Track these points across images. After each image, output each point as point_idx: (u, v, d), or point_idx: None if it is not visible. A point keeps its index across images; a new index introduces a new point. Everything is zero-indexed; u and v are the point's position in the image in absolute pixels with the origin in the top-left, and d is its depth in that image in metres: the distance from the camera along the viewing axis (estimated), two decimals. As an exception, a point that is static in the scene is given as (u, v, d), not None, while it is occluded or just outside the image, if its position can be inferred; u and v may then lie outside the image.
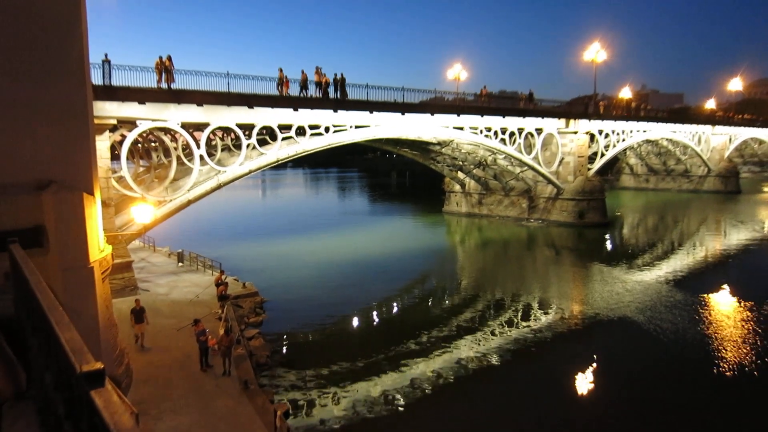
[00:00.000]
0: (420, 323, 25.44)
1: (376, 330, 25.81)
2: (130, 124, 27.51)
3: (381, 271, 36.64)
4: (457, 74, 55.30)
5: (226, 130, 32.17)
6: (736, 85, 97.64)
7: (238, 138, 31.21)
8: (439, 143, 48.02)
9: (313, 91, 34.64)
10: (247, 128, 31.33)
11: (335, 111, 35.36)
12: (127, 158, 28.39)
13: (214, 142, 32.51)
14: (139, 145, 34.59)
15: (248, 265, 35.56)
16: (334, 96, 35.45)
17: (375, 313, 27.84)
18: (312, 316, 26.64)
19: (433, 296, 32.26)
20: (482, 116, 45.21)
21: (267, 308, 26.65)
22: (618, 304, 27.99)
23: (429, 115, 41.76)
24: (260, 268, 35.24)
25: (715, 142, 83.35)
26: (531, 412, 17.29)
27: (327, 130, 35.32)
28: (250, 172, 32.41)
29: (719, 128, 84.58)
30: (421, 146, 49.77)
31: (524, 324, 25.62)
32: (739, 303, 28.28)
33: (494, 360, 21.18)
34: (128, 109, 26.95)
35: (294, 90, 33.51)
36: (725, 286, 31.99)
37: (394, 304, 29.64)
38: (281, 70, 32.86)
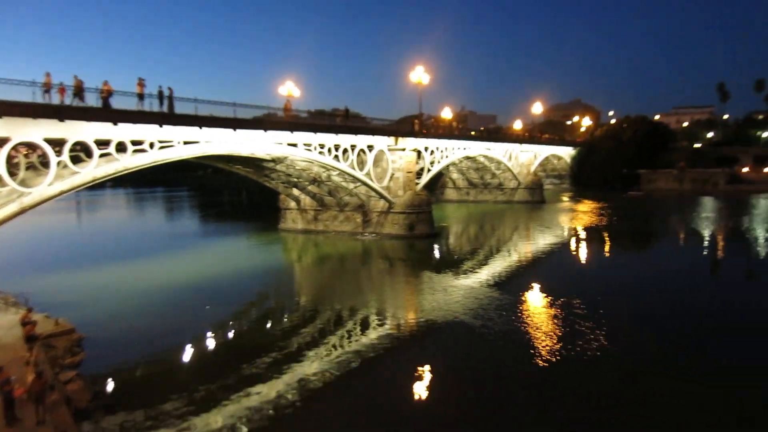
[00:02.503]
0: (259, 345, 24.77)
1: (212, 358, 24.57)
2: None
3: (215, 294, 34.96)
4: (290, 91, 55.32)
5: (32, 146, 28.46)
6: (538, 108, 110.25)
7: (46, 155, 27.85)
8: (273, 160, 47.50)
9: (143, 105, 32.30)
10: (57, 144, 28.08)
11: (161, 126, 33.23)
12: None
13: (16, 160, 28.58)
14: None
15: (62, 298, 31.88)
16: (160, 110, 33.37)
17: (210, 340, 26.49)
18: (139, 350, 24.51)
19: (272, 316, 31.65)
20: (315, 133, 45.68)
21: (86, 346, 23.59)
22: (447, 308, 29.83)
23: (262, 131, 41.18)
24: (76, 301, 31.74)
25: (523, 158, 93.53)
26: (374, 420, 17.70)
27: (152, 146, 33.01)
28: (62, 193, 28.91)
29: (526, 146, 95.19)
30: (254, 163, 48.80)
31: (363, 335, 26.21)
32: (549, 298, 31.74)
33: (336, 373, 21.30)
34: None
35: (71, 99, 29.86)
36: (536, 284, 35.78)
37: (231, 328, 28.51)
38: (48, 75, 28.52)
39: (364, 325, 27.87)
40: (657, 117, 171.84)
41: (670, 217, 74.84)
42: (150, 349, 24.71)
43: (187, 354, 24.43)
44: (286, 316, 31.30)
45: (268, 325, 29.46)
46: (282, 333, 27.61)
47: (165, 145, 33.95)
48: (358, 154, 51.20)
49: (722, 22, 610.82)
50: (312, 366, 22.06)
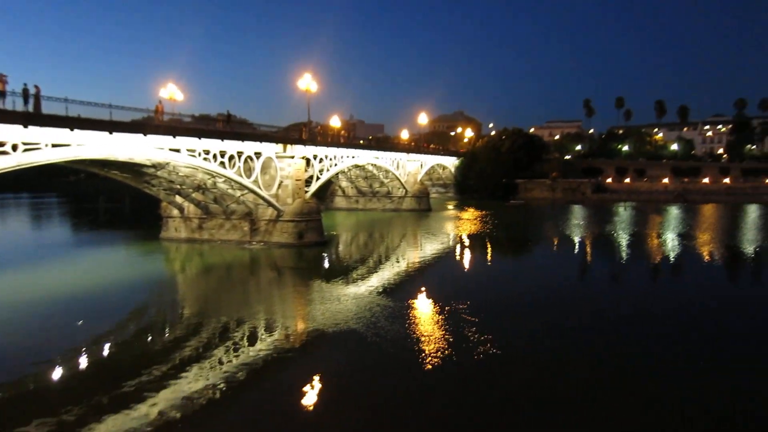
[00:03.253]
0: (138, 362, 23.32)
1: (84, 378, 22.75)
2: None
3: (88, 308, 32.50)
4: (172, 94, 52.88)
5: None
6: (423, 119, 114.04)
7: None
8: (153, 165, 45.13)
9: (4, 103, 29.51)
10: None
11: (26, 126, 30.52)
12: None
13: None
14: None
15: None
16: (25, 109, 30.61)
17: (83, 357, 24.54)
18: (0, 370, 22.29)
19: (152, 331, 29.93)
20: (200, 138, 44.12)
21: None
22: (338, 317, 29.89)
23: (142, 135, 39.09)
24: None
25: (410, 167, 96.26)
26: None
27: (15, 148, 30.23)
28: None
29: (413, 155, 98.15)
30: (133, 168, 46.08)
31: (251, 347, 25.59)
32: (437, 303, 32.80)
33: (223, 387, 20.59)
34: None
35: None
36: (425, 290, 36.86)
37: (106, 344, 26.58)
38: None
39: (252, 337, 27.22)
40: (532, 130, 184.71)
41: (545, 224, 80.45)
42: (13, 369, 22.48)
43: (56, 374, 22.45)
44: (167, 329, 29.80)
45: (148, 340, 27.83)
46: (163, 348, 26.24)
47: (31, 147, 31.23)
48: (246, 161, 50.08)
49: (588, 43, 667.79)
50: (197, 381, 21.16)
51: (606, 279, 43.30)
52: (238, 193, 52.50)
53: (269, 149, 53.76)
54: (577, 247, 59.11)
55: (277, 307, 34.35)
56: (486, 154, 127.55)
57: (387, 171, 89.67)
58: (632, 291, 38.34)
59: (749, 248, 54.89)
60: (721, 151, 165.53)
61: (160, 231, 59.83)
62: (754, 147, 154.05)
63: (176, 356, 24.19)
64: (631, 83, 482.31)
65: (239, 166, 48.86)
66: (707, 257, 51.40)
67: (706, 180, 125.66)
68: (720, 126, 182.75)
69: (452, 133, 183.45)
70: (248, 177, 50.35)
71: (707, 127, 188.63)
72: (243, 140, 49.68)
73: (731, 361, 23.44)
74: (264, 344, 26.02)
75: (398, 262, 50.28)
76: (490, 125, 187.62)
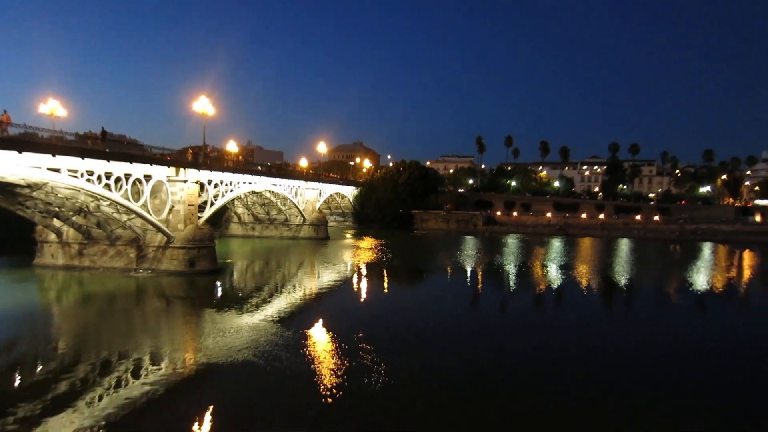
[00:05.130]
0: (3, 403, 20.96)
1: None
2: None
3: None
4: (53, 110, 49.14)
5: None
6: (323, 147, 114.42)
7: None
8: (29, 186, 41.54)
9: None
10: None
11: None
12: None
13: None
14: None
15: None
16: None
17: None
18: None
19: (21, 367, 27.02)
20: (83, 158, 41.29)
21: None
22: (231, 347, 28.72)
23: (16, 153, 35.91)
24: None
25: (308, 195, 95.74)
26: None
27: None
28: None
29: (311, 184, 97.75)
30: (5, 188, 42.11)
31: (135, 382, 23.83)
32: (333, 333, 32.52)
33: (100, 428, 18.94)
34: None
35: None
36: (321, 319, 36.51)
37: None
38: None
39: (137, 372, 25.37)
40: (428, 163, 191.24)
41: (440, 254, 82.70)
42: None
43: None
44: (39, 366, 27.03)
45: (16, 379, 25.11)
46: (34, 387, 23.71)
47: None
48: (134, 184, 47.44)
49: (481, 83, 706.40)
50: (72, 423, 19.31)
51: (496, 309, 45.09)
52: (124, 218, 49.46)
53: (160, 172, 51.34)
54: (469, 277, 61.27)
55: (165, 338, 32.36)
56: (384, 185, 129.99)
57: (285, 198, 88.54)
58: (518, 320, 40.18)
59: (621, 279, 59.78)
60: (597, 189, 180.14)
61: (34, 257, 54.82)
62: (625, 186, 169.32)
63: (48, 396, 21.98)
64: (519, 123, 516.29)
65: (127, 189, 46.17)
66: (584, 287, 55.21)
67: (584, 215, 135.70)
68: (596, 167, 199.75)
69: (351, 163, 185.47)
70: (137, 200, 47.67)
71: (585, 167, 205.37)
72: (132, 162, 47.08)
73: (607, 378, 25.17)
74: (150, 379, 24.36)
75: (295, 291, 49.40)
76: (389, 157, 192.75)
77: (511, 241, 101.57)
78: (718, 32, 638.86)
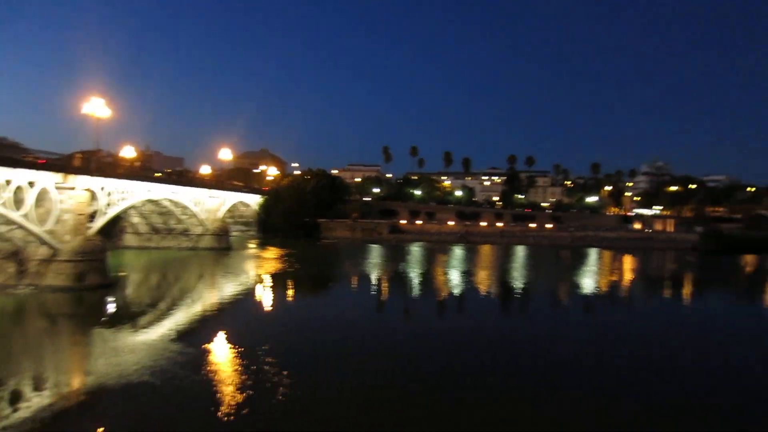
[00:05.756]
0: None
1: None
2: None
3: None
4: None
5: None
6: (226, 154, 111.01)
7: None
8: None
9: None
10: None
11: None
12: None
13: None
14: None
15: None
16: None
17: None
18: None
19: None
20: (-46, 164, 37.38)
21: None
22: (124, 368, 26.92)
23: None
24: None
25: (210, 204, 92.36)
26: None
27: None
28: None
29: (214, 192, 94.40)
30: None
31: (12, 412, 21.66)
32: (236, 347, 31.56)
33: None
34: None
35: None
36: (223, 333, 35.23)
37: None
38: None
39: (15, 399, 23.09)
40: (335, 171, 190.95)
41: (346, 263, 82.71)
42: None
43: None
44: None
45: None
46: None
47: None
48: (15, 191, 43.56)
49: (388, 92, 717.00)
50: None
51: (400, 315, 45.72)
52: (3, 228, 45.23)
53: (46, 178, 47.51)
54: (374, 284, 61.66)
55: (48, 362, 29.80)
56: (290, 193, 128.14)
57: (185, 207, 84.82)
58: (421, 326, 40.80)
59: (518, 284, 63.12)
60: (496, 198, 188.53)
61: None
62: (522, 196, 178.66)
63: None
64: (424, 134, 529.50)
65: (7, 197, 42.30)
66: (484, 292, 57.62)
67: (484, 223, 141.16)
68: (496, 177, 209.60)
69: (256, 171, 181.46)
70: (18, 209, 43.77)
71: (485, 177, 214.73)
72: (13, 167, 43.23)
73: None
74: (31, 405, 22.31)
75: (194, 304, 47.32)
76: (295, 165, 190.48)
77: (416, 249, 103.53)
78: (605, 52, 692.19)
